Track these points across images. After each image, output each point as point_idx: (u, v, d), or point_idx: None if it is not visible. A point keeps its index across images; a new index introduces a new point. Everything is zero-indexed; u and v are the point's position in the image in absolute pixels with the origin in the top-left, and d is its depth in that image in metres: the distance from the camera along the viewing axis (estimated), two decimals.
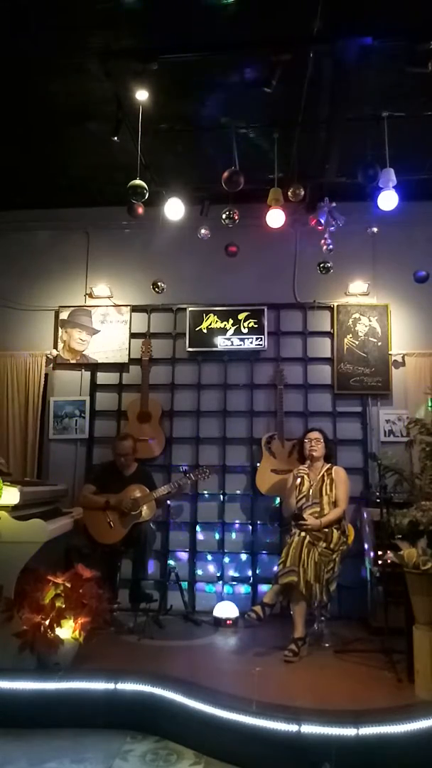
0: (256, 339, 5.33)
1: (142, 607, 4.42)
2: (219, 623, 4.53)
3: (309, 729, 2.64)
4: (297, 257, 5.40)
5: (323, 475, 4.34)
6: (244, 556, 5.09)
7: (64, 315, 5.54)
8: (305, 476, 4.36)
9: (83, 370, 5.50)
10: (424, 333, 5.26)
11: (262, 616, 3.87)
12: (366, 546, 4.49)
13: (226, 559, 5.08)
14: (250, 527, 5.10)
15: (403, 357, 5.23)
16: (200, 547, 5.14)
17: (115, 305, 5.54)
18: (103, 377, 5.49)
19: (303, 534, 4.01)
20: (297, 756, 2.64)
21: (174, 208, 4.53)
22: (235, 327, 5.36)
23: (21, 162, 4.89)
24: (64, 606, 3.36)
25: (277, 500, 4.99)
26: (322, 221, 4.45)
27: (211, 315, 5.39)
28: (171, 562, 5.03)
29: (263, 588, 4.79)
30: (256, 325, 5.34)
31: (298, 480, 4.36)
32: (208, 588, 5.08)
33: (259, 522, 5.11)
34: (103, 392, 5.46)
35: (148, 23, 3.46)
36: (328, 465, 4.43)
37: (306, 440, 4.50)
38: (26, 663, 3.28)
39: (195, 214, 4.96)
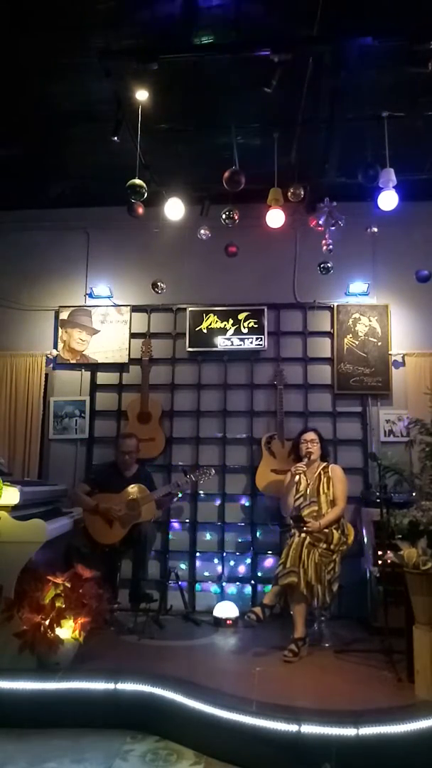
0: (256, 339, 5.33)
1: (142, 607, 4.41)
2: (219, 623, 4.52)
3: (309, 729, 2.64)
4: (297, 257, 5.39)
5: (320, 474, 4.35)
6: (244, 557, 5.09)
7: (64, 315, 5.54)
8: (302, 474, 4.36)
9: (83, 370, 5.51)
10: (424, 333, 5.26)
11: (262, 617, 3.87)
12: (366, 546, 4.48)
13: (226, 560, 5.08)
14: (250, 527, 5.10)
15: (403, 357, 5.24)
16: (200, 547, 5.14)
17: (115, 305, 5.55)
18: (103, 377, 5.48)
19: (303, 535, 4.01)
20: (297, 756, 2.63)
21: (174, 208, 4.53)
22: (235, 327, 5.36)
23: (22, 162, 4.89)
24: (64, 606, 3.36)
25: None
26: (322, 221, 4.45)
27: (211, 315, 5.39)
28: (171, 562, 5.03)
29: (263, 588, 4.79)
30: (256, 325, 5.34)
31: (296, 478, 4.37)
32: (208, 588, 5.08)
33: (259, 522, 5.11)
34: (103, 392, 5.46)
35: (148, 23, 3.46)
36: (324, 464, 4.44)
37: (302, 442, 4.48)
38: (26, 663, 3.27)
39: (195, 214, 4.96)
